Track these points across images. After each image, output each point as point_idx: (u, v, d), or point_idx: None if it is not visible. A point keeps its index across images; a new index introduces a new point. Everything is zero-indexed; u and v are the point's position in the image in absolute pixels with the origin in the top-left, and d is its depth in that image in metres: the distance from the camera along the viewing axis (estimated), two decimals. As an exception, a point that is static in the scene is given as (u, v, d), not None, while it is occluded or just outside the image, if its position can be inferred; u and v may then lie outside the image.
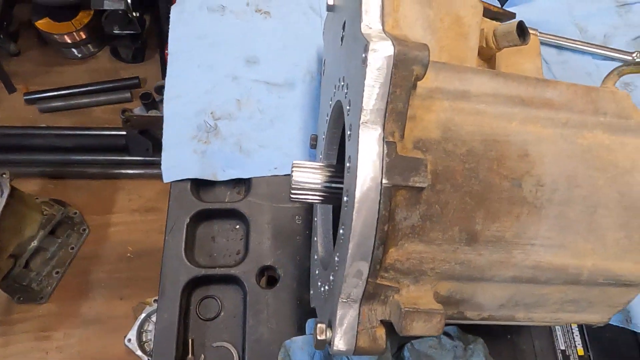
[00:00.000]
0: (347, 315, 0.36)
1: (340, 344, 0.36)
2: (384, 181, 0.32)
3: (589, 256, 0.37)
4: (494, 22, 0.49)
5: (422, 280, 0.36)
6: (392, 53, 0.32)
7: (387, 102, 0.33)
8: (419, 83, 0.35)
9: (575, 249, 0.37)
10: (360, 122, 0.33)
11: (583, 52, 0.79)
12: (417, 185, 0.33)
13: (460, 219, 0.35)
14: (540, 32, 0.78)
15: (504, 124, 0.36)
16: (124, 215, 1.76)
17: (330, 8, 0.49)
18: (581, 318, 0.42)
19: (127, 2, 1.75)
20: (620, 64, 0.78)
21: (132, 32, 1.88)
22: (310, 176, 0.44)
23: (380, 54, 0.33)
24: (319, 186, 0.44)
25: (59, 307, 1.56)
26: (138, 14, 1.84)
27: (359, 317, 0.36)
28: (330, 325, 0.37)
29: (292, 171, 0.44)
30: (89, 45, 2.08)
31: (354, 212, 0.33)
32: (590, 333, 0.60)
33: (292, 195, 0.44)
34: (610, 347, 0.60)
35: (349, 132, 0.35)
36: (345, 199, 0.35)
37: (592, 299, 0.40)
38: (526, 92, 0.38)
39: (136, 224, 1.75)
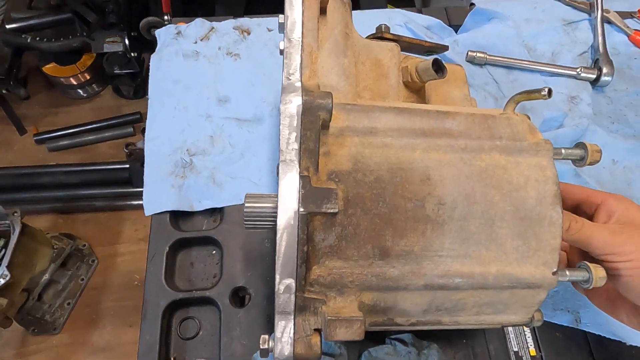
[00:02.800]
0: (284, 326, 0.42)
1: (279, 352, 0.41)
2: (301, 209, 0.38)
3: (492, 263, 0.42)
4: (417, 59, 0.55)
5: (346, 292, 0.42)
6: (300, 103, 0.39)
7: (300, 143, 0.39)
8: (331, 123, 0.41)
9: (479, 258, 0.42)
10: (280, 160, 0.40)
11: (531, 70, 0.84)
12: (329, 211, 0.39)
13: (371, 237, 0.40)
14: (489, 55, 0.85)
15: (408, 154, 0.42)
16: (130, 245, 1.85)
17: (281, 52, 0.56)
18: (502, 319, 0.47)
19: (125, 44, 1.87)
20: (566, 79, 0.84)
21: (131, 70, 2.00)
22: (260, 206, 0.49)
23: (292, 104, 0.40)
24: (268, 215, 0.49)
25: (71, 337, 1.63)
26: (136, 54, 1.96)
27: (294, 327, 0.42)
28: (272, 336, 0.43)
29: (244, 202, 0.50)
30: (93, 85, 2.20)
31: (278, 237, 0.39)
32: (541, 334, 0.64)
33: (245, 224, 0.50)
34: (561, 347, 0.64)
35: (276, 169, 0.42)
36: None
37: (505, 301, 0.45)
38: (428, 124, 0.43)
39: (142, 252, 1.81)
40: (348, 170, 0.41)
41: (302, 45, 0.44)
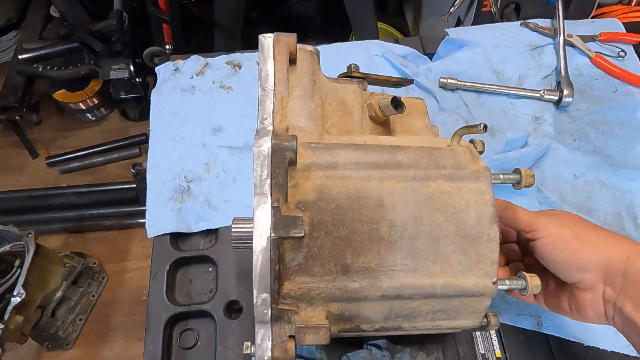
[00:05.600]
0: (262, 334, 0.49)
1: (259, 356, 0.49)
2: (272, 235, 0.46)
3: (440, 275, 0.49)
4: (381, 95, 0.63)
5: (314, 304, 0.49)
6: (270, 145, 0.47)
7: (271, 178, 0.47)
8: (298, 160, 0.49)
9: (428, 271, 0.49)
10: (255, 193, 0.47)
11: (499, 94, 0.92)
12: (297, 235, 0.46)
13: (334, 256, 0.48)
14: (459, 81, 0.92)
15: (365, 183, 0.49)
16: (138, 262, 1.93)
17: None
18: (457, 324, 0.54)
19: (130, 71, 1.98)
20: (531, 101, 0.91)
21: (136, 95, 2.10)
22: (245, 228, 0.56)
23: (264, 146, 0.47)
24: (252, 236, 0.57)
25: (83, 351, 1.70)
26: (141, 79, 2.06)
27: (271, 335, 0.49)
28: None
29: (231, 225, 0.57)
30: (101, 109, 2.31)
31: (254, 259, 0.46)
32: (506, 337, 0.71)
33: (232, 244, 0.57)
34: (525, 349, 0.70)
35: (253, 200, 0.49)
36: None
37: (456, 308, 0.52)
38: (382, 157, 0.51)
39: (149, 268, 1.91)
40: (313, 199, 0.48)
41: (274, 93, 0.52)
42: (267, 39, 0.54)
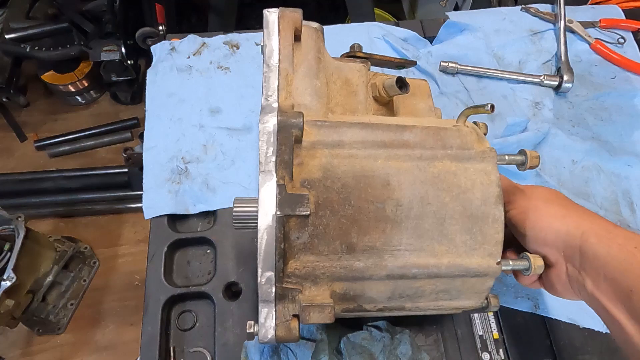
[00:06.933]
0: (266, 313, 0.48)
1: (263, 335, 0.48)
2: (278, 213, 0.45)
3: (444, 255, 0.49)
4: (385, 75, 0.62)
5: (319, 282, 0.49)
6: (276, 122, 0.46)
7: (276, 156, 0.46)
8: (304, 138, 0.48)
9: (432, 251, 0.49)
10: (260, 171, 0.46)
11: (500, 79, 0.91)
12: (302, 213, 0.46)
13: (339, 235, 0.47)
14: (460, 65, 0.92)
15: (371, 163, 0.49)
16: (130, 247, 1.91)
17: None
18: (458, 304, 0.54)
19: (121, 52, 1.93)
20: (531, 86, 0.91)
21: (128, 77, 2.06)
22: (247, 209, 0.55)
23: (269, 123, 0.46)
24: (254, 216, 0.56)
25: (74, 336, 1.69)
26: (132, 62, 2.02)
27: (275, 314, 0.48)
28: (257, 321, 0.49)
29: (233, 206, 0.56)
30: (91, 92, 2.26)
31: (259, 237, 0.46)
32: (504, 319, 0.71)
33: (234, 225, 0.56)
34: (521, 330, 0.71)
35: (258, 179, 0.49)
36: (259, 226, 0.48)
37: (459, 288, 0.52)
38: (388, 136, 0.50)
39: (142, 253, 1.88)
40: (319, 178, 0.48)
41: (279, 70, 0.51)
42: (271, 14, 0.53)
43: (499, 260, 0.50)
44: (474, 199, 0.49)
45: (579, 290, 0.49)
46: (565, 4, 0.97)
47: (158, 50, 0.93)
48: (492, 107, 0.50)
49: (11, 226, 1.44)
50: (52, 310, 1.66)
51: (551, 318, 0.71)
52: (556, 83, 0.90)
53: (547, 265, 0.51)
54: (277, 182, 0.46)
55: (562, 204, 0.51)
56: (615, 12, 1.01)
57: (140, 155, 1.75)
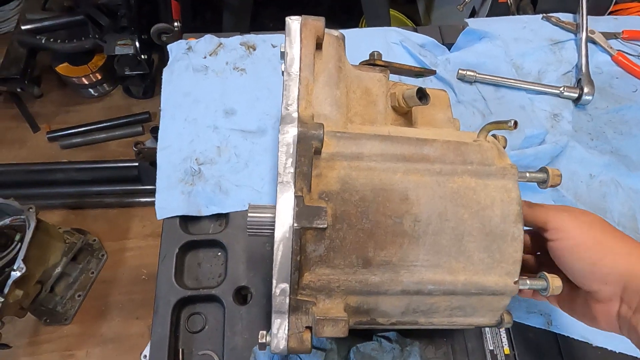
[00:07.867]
0: (279, 324, 0.48)
1: (275, 345, 0.48)
2: (295, 225, 0.45)
3: (461, 272, 0.48)
4: (405, 85, 0.61)
5: (333, 295, 0.48)
6: (296, 133, 0.45)
7: (295, 167, 0.46)
8: (323, 149, 0.48)
9: (449, 268, 0.48)
10: (278, 182, 0.46)
11: (518, 88, 0.90)
12: (320, 226, 0.45)
13: (356, 249, 0.47)
14: (478, 73, 0.90)
15: (390, 176, 0.48)
16: (138, 241, 1.92)
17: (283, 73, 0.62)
18: (473, 321, 0.53)
19: (135, 47, 1.94)
20: (550, 97, 0.90)
21: (141, 72, 2.06)
22: (261, 216, 0.55)
23: (289, 134, 0.46)
24: (268, 224, 0.55)
25: (81, 327, 1.71)
26: (146, 56, 2.02)
27: (288, 325, 0.48)
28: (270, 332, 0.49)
29: (247, 212, 0.56)
30: (104, 85, 2.28)
31: (275, 248, 0.45)
32: (515, 335, 0.70)
33: (248, 231, 0.56)
34: (533, 347, 0.70)
35: (276, 189, 0.48)
36: (275, 237, 0.47)
37: (474, 306, 0.51)
38: (408, 150, 0.50)
39: (150, 248, 1.90)
40: (337, 190, 0.47)
41: (299, 79, 0.51)
42: (294, 22, 0.52)
43: (516, 279, 0.49)
44: (494, 216, 0.49)
45: (628, 331, 0.47)
46: (587, 14, 0.96)
47: (174, 49, 0.93)
48: (515, 123, 0.49)
49: (22, 217, 1.45)
50: (59, 301, 1.68)
51: (564, 335, 0.70)
52: (576, 95, 0.88)
53: (596, 299, 0.49)
54: (295, 193, 0.45)
55: (619, 237, 0.48)
56: (637, 23, 1.00)
57: (151, 149, 1.76)
